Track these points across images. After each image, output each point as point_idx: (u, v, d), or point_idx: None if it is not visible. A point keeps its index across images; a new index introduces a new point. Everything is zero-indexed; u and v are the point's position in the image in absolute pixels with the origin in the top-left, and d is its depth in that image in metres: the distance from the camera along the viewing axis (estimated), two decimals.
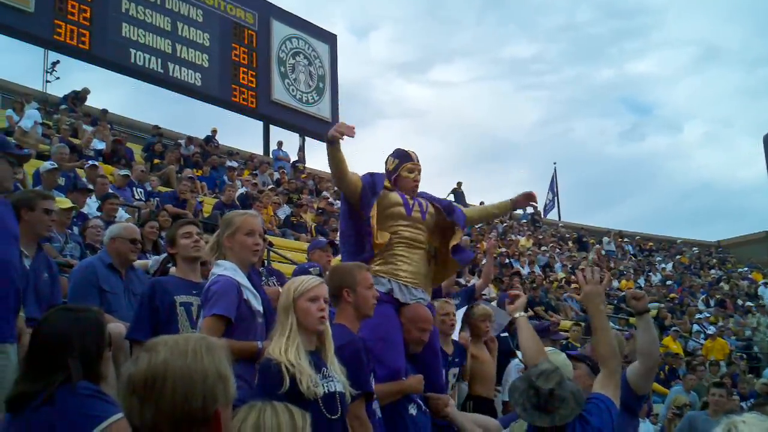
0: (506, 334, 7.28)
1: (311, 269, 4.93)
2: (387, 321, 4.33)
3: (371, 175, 4.73)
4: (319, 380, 3.09)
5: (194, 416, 1.58)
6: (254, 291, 3.86)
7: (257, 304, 3.84)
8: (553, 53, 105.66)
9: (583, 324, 12.88)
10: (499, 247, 19.70)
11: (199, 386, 1.59)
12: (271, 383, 2.99)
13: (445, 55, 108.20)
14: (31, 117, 13.42)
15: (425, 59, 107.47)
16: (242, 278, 3.81)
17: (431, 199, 5.08)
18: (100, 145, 14.31)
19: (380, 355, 4.07)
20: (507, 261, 18.11)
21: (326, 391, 3.11)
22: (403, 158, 4.93)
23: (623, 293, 20.15)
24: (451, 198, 25.21)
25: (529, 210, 29.28)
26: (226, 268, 3.81)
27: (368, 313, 3.83)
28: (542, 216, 30.10)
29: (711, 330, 17.90)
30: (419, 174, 4.95)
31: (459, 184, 27.02)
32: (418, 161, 4.97)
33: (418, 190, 5.00)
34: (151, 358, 1.61)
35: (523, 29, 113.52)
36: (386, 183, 4.81)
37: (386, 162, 5.02)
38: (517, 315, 3.96)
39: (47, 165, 9.07)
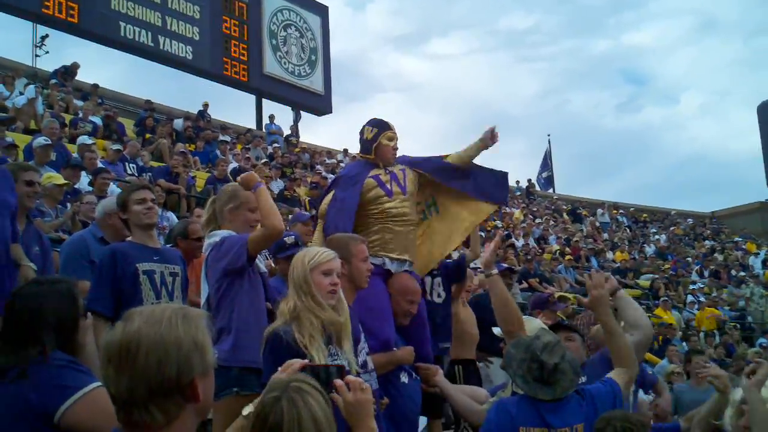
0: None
1: (286, 238, 4.92)
2: (376, 293, 4.35)
3: (337, 184, 4.99)
4: (326, 358, 3.04)
5: (169, 385, 1.58)
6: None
7: (263, 267, 4.00)
8: (550, 25, 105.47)
9: (574, 296, 12.89)
10: (494, 220, 19.69)
11: (173, 355, 1.58)
12: (283, 356, 2.90)
13: (441, 27, 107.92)
14: (27, 93, 13.34)
15: (422, 32, 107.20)
16: None
17: (409, 163, 5.14)
18: (97, 121, 14.22)
19: (370, 326, 4.06)
20: (505, 233, 18.09)
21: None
22: (381, 127, 5.00)
23: (617, 265, 20.23)
24: None
25: (523, 183, 29.30)
26: (218, 236, 3.85)
27: (362, 285, 3.87)
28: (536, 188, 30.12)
29: (703, 299, 18.01)
30: (397, 142, 5.03)
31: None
32: (395, 130, 5.04)
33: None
34: (126, 327, 1.61)
35: (520, 1, 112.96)
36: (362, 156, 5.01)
37: (362, 132, 5.06)
38: (491, 272, 3.95)
39: (40, 140, 9.02)
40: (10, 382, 2.34)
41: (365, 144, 5.01)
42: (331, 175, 18.33)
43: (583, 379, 3.71)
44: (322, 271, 3.17)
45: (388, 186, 4.88)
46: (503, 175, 5.53)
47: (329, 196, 4.99)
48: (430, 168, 5.21)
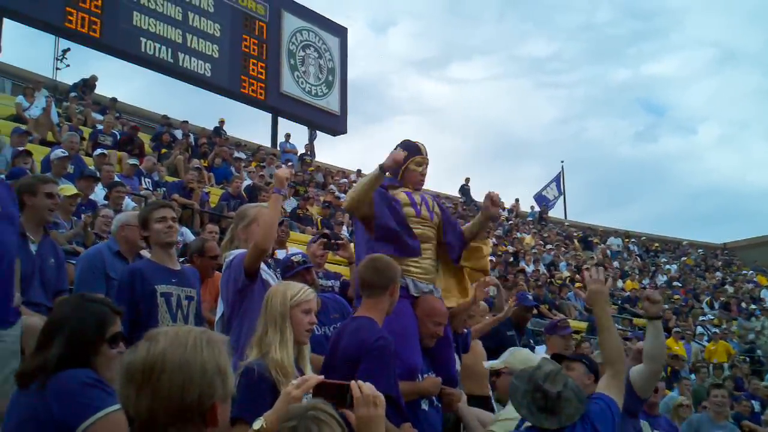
0: (513, 332, 7.30)
1: (293, 257, 4.96)
2: (405, 316, 4.28)
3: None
4: None
5: (190, 409, 1.57)
6: (270, 272, 3.96)
7: (274, 283, 3.91)
8: (572, 52, 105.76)
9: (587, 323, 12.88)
10: (505, 245, 19.69)
11: (197, 379, 1.57)
12: (259, 393, 2.92)
13: (463, 52, 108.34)
14: (38, 105, 13.47)
15: (444, 56, 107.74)
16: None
17: (438, 201, 5.05)
18: (117, 134, 14.35)
19: (398, 351, 3.98)
20: (511, 259, 18.10)
21: None
22: (412, 151, 4.82)
23: (627, 293, 20.15)
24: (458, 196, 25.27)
25: (537, 208, 29.30)
26: (233, 255, 3.90)
27: (391, 311, 3.83)
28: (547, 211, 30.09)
29: (714, 332, 17.88)
30: (426, 168, 4.89)
31: (467, 180, 27.13)
32: (426, 154, 4.91)
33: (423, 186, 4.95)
34: (150, 348, 1.59)
35: (543, 28, 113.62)
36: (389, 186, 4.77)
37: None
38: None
39: (58, 152, 9.12)
40: (39, 388, 2.36)
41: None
42: (344, 195, 18.40)
43: None
44: (303, 310, 3.18)
45: (419, 207, 4.77)
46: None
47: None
48: (446, 219, 5.00)
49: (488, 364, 4.21)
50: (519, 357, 4.07)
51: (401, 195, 4.76)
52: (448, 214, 5.06)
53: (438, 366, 4.47)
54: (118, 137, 14.21)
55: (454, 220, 5.16)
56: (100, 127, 14.33)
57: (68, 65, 19.11)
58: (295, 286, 3.33)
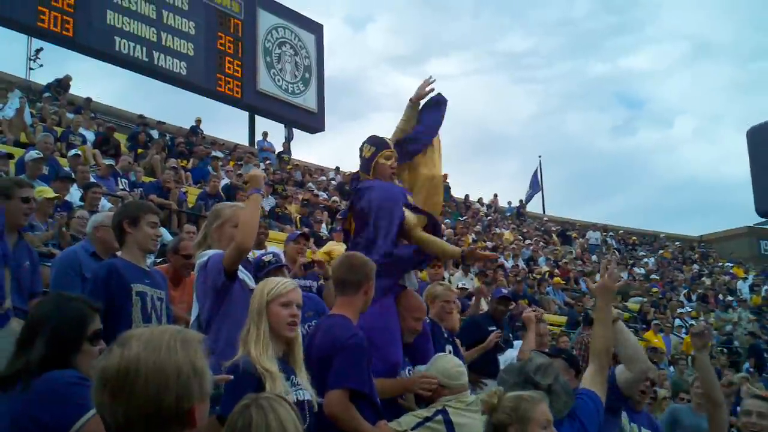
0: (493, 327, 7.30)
1: (264, 256, 4.93)
2: (388, 312, 4.28)
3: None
4: (289, 388, 3.03)
5: (168, 412, 1.54)
6: (247, 273, 3.92)
7: (251, 283, 3.91)
8: (548, 47, 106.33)
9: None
10: (484, 241, 19.74)
11: (172, 382, 1.54)
12: (243, 387, 2.89)
13: (440, 47, 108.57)
14: (12, 106, 13.32)
15: (421, 51, 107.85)
16: None
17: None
18: (89, 135, 14.21)
19: (380, 346, 4.02)
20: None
21: (296, 400, 3.04)
22: (379, 145, 4.79)
23: None
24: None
25: (515, 204, 29.41)
26: (207, 256, 3.86)
27: (365, 309, 3.81)
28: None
29: (692, 324, 18.05)
30: (396, 161, 4.84)
31: (445, 176, 27.02)
32: (393, 148, 4.87)
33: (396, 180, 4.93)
34: (124, 352, 1.56)
35: (519, 22, 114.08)
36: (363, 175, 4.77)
37: (361, 149, 4.86)
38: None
39: (33, 154, 9.01)
40: (23, 389, 2.33)
41: (364, 162, 4.83)
42: (323, 193, 18.37)
43: None
44: (281, 303, 3.16)
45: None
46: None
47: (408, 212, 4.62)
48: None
49: (417, 369, 4.30)
50: (438, 365, 4.12)
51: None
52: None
53: (419, 361, 4.47)
54: (92, 137, 14.07)
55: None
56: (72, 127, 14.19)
57: (41, 65, 18.92)
58: (272, 281, 3.32)
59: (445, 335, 5.42)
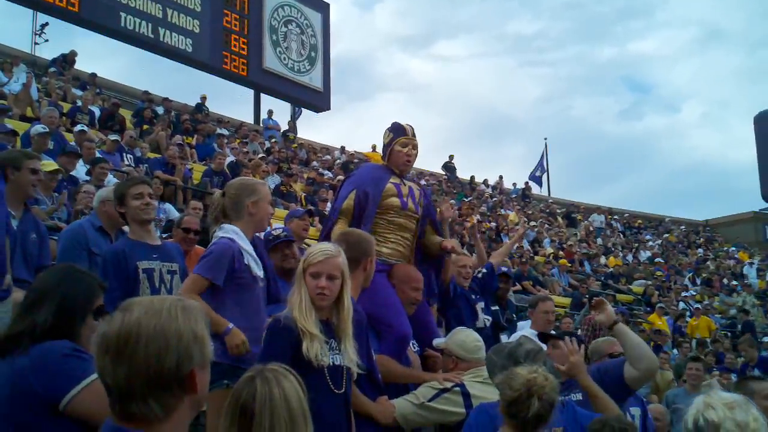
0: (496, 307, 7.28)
1: (273, 231, 4.94)
2: (384, 288, 4.30)
3: (361, 184, 4.75)
4: (327, 351, 3.06)
5: (168, 376, 1.57)
6: (255, 257, 3.87)
7: (258, 270, 3.88)
8: (557, 30, 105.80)
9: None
10: (489, 221, 19.73)
11: (173, 346, 1.57)
12: (282, 342, 3.00)
13: (449, 29, 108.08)
14: (18, 80, 13.31)
15: (429, 33, 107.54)
16: (245, 243, 3.86)
17: (425, 194, 5.06)
18: (96, 111, 14.19)
19: (389, 321, 4.07)
20: (494, 236, 18.15)
21: (332, 363, 3.07)
22: (397, 132, 4.84)
23: (610, 270, 20.29)
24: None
25: (520, 186, 29.35)
26: (227, 232, 3.82)
27: (368, 284, 3.85)
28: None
29: (696, 307, 18.07)
30: (413, 149, 4.85)
31: (451, 157, 27.04)
32: (413, 136, 4.88)
33: (411, 167, 5.00)
34: (125, 317, 1.59)
35: (527, 6, 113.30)
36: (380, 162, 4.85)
37: (384, 135, 4.95)
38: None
39: (38, 128, 9.01)
40: (20, 354, 2.33)
41: (383, 148, 4.93)
42: (327, 172, 18.34)
43: (579, 396, 3.71)
44: (310, 273, 3.14)
45: (405, 199, 4.76)
46: None
47: (353, 194, 4.70)
48: (429, 213, 5.03)
49: (436, 342, 4.32)
50: (456, 339, 4.16)
51: (389, 186, 4.75)
52: (429, 210, 5.06)
53: (423, 332, 4.53)
54: (97, 115, 14.05)
55: (433, 209, 5.19)
56: (80, 103, 14.16)
57: (47, 40, 18.89)
58: (313, 249, 3.31)
59: (473, 296, 5.88)
